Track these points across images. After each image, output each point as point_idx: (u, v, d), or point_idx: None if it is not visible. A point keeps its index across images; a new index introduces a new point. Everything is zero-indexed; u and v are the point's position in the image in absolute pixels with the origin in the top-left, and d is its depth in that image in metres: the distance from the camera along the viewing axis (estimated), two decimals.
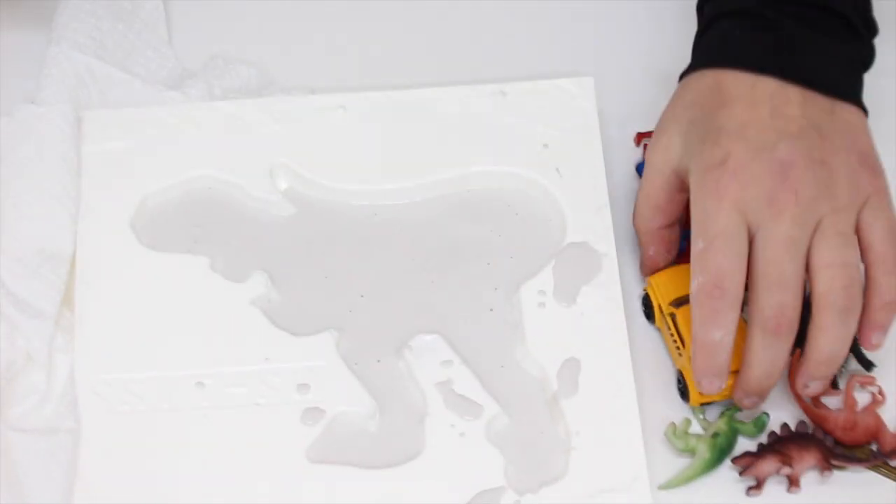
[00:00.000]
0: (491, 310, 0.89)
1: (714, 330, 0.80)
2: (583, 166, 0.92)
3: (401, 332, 0.88)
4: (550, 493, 0.83)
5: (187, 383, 0.86)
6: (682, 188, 0.85)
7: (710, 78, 0.85)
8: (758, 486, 0.84)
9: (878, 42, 0.86)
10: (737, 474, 0.84)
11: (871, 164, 0.83)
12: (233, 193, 0.92)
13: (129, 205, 0.91)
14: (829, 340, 0.81)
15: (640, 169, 0.93)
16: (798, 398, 0.85)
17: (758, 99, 0.83)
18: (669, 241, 0.88)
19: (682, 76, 0.88)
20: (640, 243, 0.89)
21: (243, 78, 0.97)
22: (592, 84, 0.94)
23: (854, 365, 0.88)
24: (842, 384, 0.87)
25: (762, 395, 0.83)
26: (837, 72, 0.84)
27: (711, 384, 0.82)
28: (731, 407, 0.86)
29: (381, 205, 0.91)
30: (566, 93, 0.94)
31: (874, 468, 0.85)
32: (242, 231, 0.91)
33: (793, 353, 0.82)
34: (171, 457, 0.84)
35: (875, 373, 0.88)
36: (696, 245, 0.81)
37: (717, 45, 0.86)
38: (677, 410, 0.86)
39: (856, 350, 0.88)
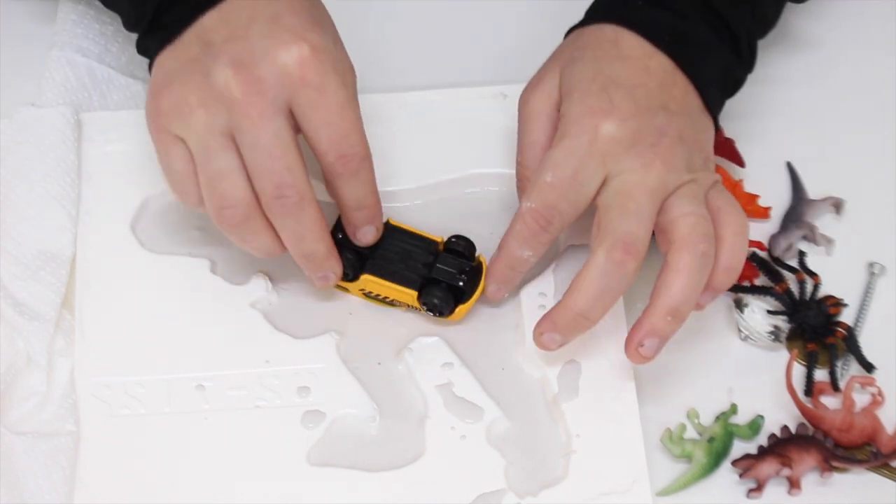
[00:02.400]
0: (491, 312, 0.89)
1: (526, 249, 0.84)
2: None
3: (401, 334, 0.88)
4: (551, 496, 0.83)
5: (187, 386, 0.86)
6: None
7: (609, 31, 0.86)
8: (758, 488, 0.84)
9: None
10: (737, 477, 0.84)
11: (713, 169, 0.86)
12: None
13: (129, 207, 0.91)
14: (683, 284, 0.81)
15: None
16: (794, 398, 0.85)
17: (651, 68, 0.84)
18: None
19: (571, 29, 0.89)
20: (519, 188, 0.88)
21: None
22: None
23: (855, 367, 0.88)
24: (842, 385, 0.87)
25: (577, 326, 0.83)
26: (715, 83, 0.87)
27: (499, 291, 0.86)
28: (725, 411, 0.86)
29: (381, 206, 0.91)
30: None
31: (875, 469, 0.85)
32: None
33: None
34: (171, 460, 0.84)
35: (875, 374, 0.88)
36: (544, 175, 0.82)
37: (620, 7, 0.87)
38: (674, 415, 0.86)
39: (856, 351, 0.88)
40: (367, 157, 0.82)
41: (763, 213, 0.94)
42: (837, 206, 0.94)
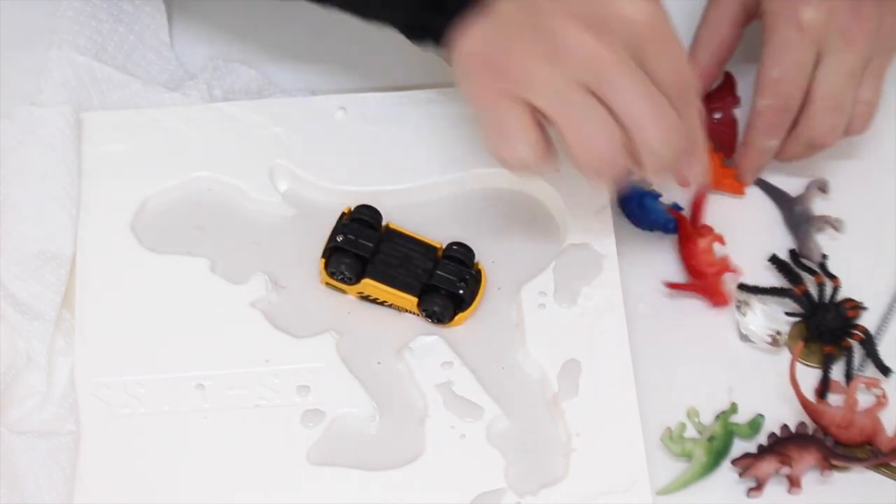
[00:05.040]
0: (491, 311, 0.89)
1: (772, 138, 0.92)
2: None
3: (401, 333, 0.88)
4: (551, 495, 0.83)
5: (187, 385, 0.86)
6: (746, 20, 0.93)
7: None
8: (758, 487, 0.84)
9: None
10: (737, 476, 0.84)
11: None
12: (233, 195, 0.92)
13: (129, 206, 0.91)
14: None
15: (625, 204, 0.93)
16: (797, 390, 0.85)
17: None
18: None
19: None
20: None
21: (243, 79, 0.97)
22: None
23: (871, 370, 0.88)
24: None
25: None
26: None
27: (753, 177, 0.94)
28: (725, 410, 0.86)
29: (380, 206, 0.91)
30: None
31: (875, 468, 0.85)
32: (242, 233, 0.91)
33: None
34: (170, 459, 0.84)
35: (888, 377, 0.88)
36: (769, 72, 0.90)
37: None
38: (674, 414, 0.86)
39: (873, 355, 0.88)
40: (694, 88, 0.84)
41: (739, 189, 0.94)
42: (823, 187, 0.94)
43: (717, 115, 0.95)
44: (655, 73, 0.81)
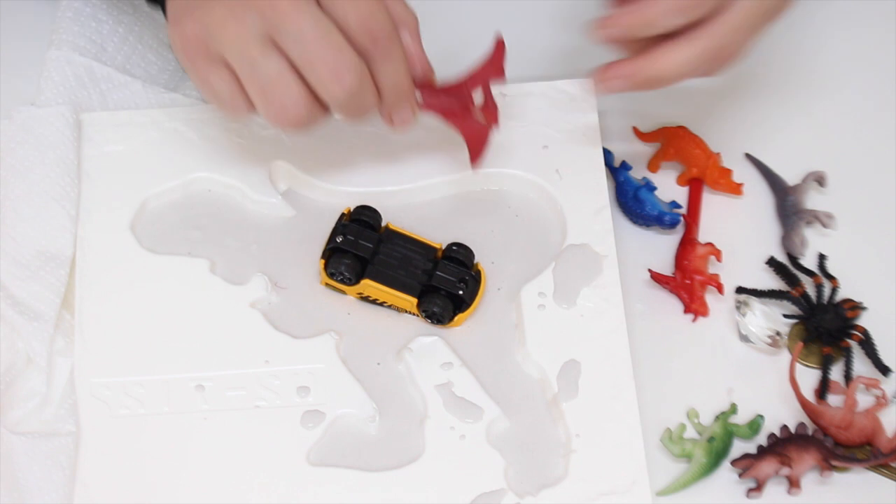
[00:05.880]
0: (491, 311, 0.89)
1: (679, 17, 0.84)
2: (583, 168, 0.92)
3: (401, 334, 0.88)
4: (550, 496, 0.83)
5: (187, 386, 0.86)
6: None
7: None
8: (758, 487, 0.84)
9: None
10: (736, 476, 0.84)
11: None
12: (232, 195, 0.92)
13: (128, 207, 0.91)
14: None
15: (621, 198, 0.93)
16: (796, 390, 0.85)
17: None
18: None
19: None
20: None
21: None
22: (592, 85, 0.93)
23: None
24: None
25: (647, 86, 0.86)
26: None
27: (612, 37, 0.85)
28: (725, 411, 0.86)
29: (380, 206, 0.91)
30: (566, 94, 0.94)
31: (875, 469, 0.85)
32: (242, 233, 0.91)
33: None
34: (170, 460, 0.84)
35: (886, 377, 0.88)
36: None
37: None
38: (674, 415, 0.86)
39: (873, 355, 0.88)
40: (395, 35, 0.82)
41: (736, 189, 0.94)
42: (820, 180, 0.94)
43: (478, 99, 0.89)
44: (337, 14, 0.80)
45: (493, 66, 0.88)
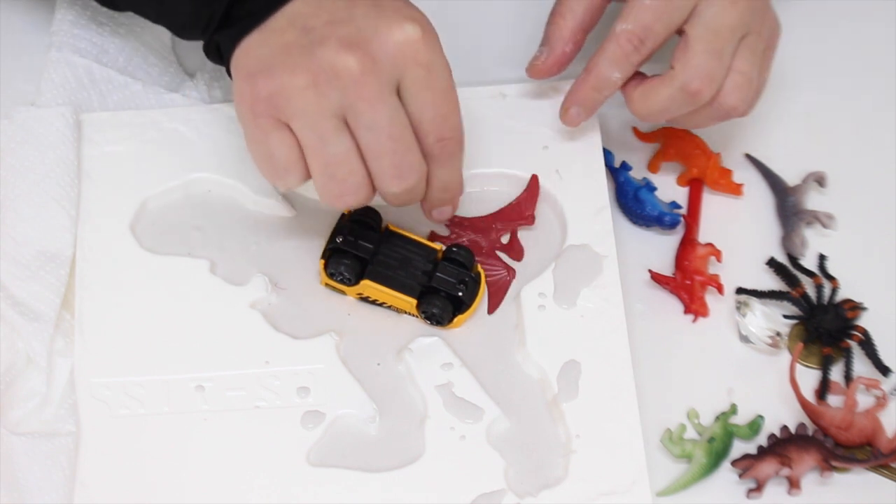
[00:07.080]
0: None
1: (616, 70, 0.87)
2: (583, 168, 0.92)
3: (401, 334, 0.88)
4: (550, 496, 0.83)
5: (187, 387, 0.86)
6: None
7: None
8: (758, 488, 0.84)
9: None
10: (737, 477, 0.84)
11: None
12: (232, 196, 0.92)
13: (128, 207, 0.91)
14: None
15: (621, 197, 0.93)
16: (796, 391, 0.85)
17: None
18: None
19: None
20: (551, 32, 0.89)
21: None
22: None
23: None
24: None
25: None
26: None
27: (580, 115, 0.89)
28: (725, 411, 0.86)
29: (381, 207, 0.91)
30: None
31: (875, 469, 0.85)
32: (242, 233, 0.91)
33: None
34: (170, 460, 0.84)
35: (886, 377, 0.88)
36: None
37: None
38: (674, 415, 0.86)
39: (873, 355, 0.88)
40: (462, 141, 0.83)
41: (736, 189, 0.94)
42: (820, 180, 0.94)
43: (505, 238, 0.91)
44: (415, 108, 0.80)
45: (526, 204, 0.91)
